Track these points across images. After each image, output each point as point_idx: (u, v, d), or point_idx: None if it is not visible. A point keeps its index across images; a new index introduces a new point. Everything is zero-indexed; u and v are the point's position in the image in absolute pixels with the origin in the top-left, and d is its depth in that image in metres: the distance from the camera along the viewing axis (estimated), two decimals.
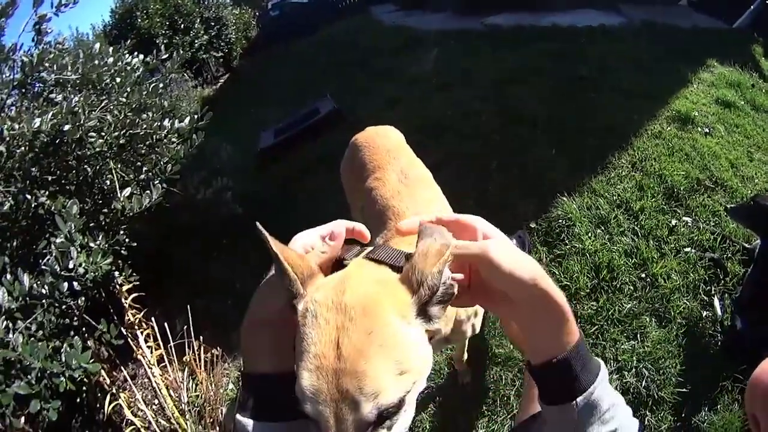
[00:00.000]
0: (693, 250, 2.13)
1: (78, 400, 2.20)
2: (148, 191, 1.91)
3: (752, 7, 4.44)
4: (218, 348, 2.22)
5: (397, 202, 1.33)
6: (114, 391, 2.14)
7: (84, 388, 2.12)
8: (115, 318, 2.07)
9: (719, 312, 1.88)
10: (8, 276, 1.80)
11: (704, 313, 1.90)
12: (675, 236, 2.21)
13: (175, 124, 2.14)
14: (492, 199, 2.62)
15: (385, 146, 1.65)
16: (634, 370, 1.78)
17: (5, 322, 1.74)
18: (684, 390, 1.70)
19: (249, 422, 0.61)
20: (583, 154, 2.76)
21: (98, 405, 2.16)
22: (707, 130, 2.91)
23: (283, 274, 0.62)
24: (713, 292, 1.96)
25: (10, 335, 1.72)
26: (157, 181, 2.05)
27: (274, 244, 0.62)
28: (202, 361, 2.16)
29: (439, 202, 1.41)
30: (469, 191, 2.63)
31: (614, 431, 0.67)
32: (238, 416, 0.61)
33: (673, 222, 2.28)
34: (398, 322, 0.58)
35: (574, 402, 0.65)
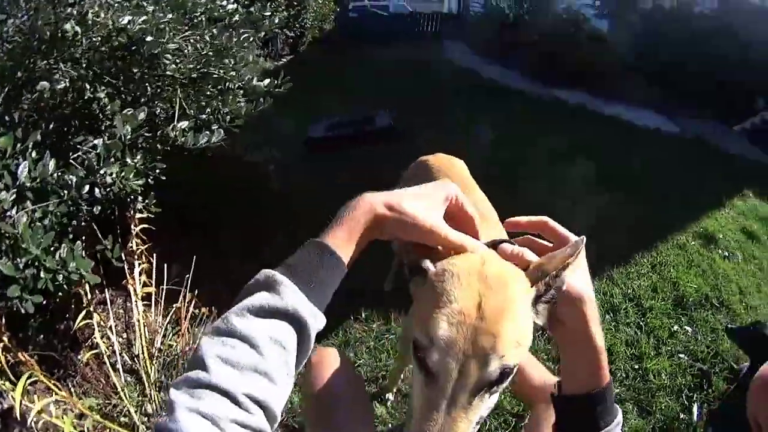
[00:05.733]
0: (686, 357, 2.21)
1: (45, 300, 2.11)
2: (207, 132, 1.89)
3: None
4: (212, 309, 2.16)
5: None
6: (91, 309, 2.04)
7: (59, 293, 2.03)
8: (119, 240, 2.03)
9: (695, 418, 1.98)
10: (33, 154, 1.73)
11: (681, 416, 1.97)
12: (674, 341, 2.28)
13: (253, 81, 2.12)
14: None
15: (459, 175, 1.64)
16: None
17: (14, 196, 1.65)
18: None
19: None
20: (613, 243, 2.86)
21: (66, 316, 2.06)
22: (726, 254, 2.99)
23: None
24: (695, 399, 2.04)
25: (13, 211, 1.63)
26: (216, 126, 2.01)
27: None
28: (190, 314, 2.10)
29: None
30: None
31: None
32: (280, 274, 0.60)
33: (675, 327, 2.35)
34: (526, 302, 0.63)
35: None
